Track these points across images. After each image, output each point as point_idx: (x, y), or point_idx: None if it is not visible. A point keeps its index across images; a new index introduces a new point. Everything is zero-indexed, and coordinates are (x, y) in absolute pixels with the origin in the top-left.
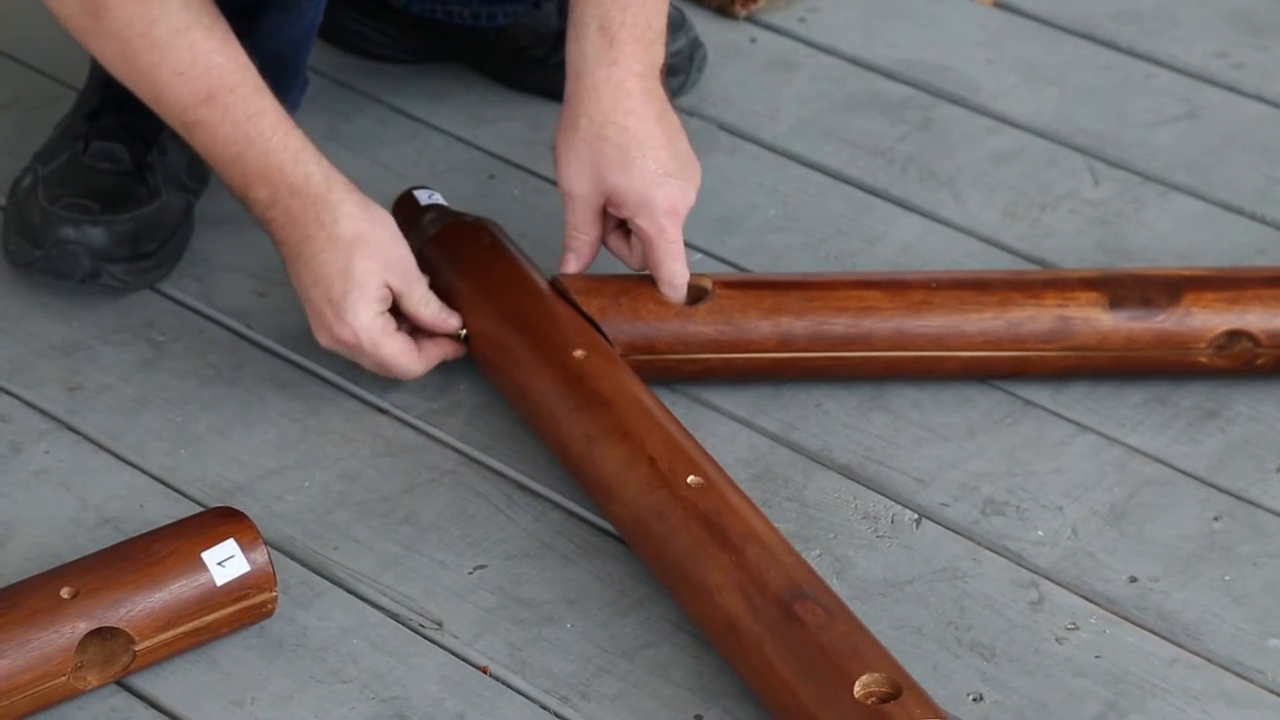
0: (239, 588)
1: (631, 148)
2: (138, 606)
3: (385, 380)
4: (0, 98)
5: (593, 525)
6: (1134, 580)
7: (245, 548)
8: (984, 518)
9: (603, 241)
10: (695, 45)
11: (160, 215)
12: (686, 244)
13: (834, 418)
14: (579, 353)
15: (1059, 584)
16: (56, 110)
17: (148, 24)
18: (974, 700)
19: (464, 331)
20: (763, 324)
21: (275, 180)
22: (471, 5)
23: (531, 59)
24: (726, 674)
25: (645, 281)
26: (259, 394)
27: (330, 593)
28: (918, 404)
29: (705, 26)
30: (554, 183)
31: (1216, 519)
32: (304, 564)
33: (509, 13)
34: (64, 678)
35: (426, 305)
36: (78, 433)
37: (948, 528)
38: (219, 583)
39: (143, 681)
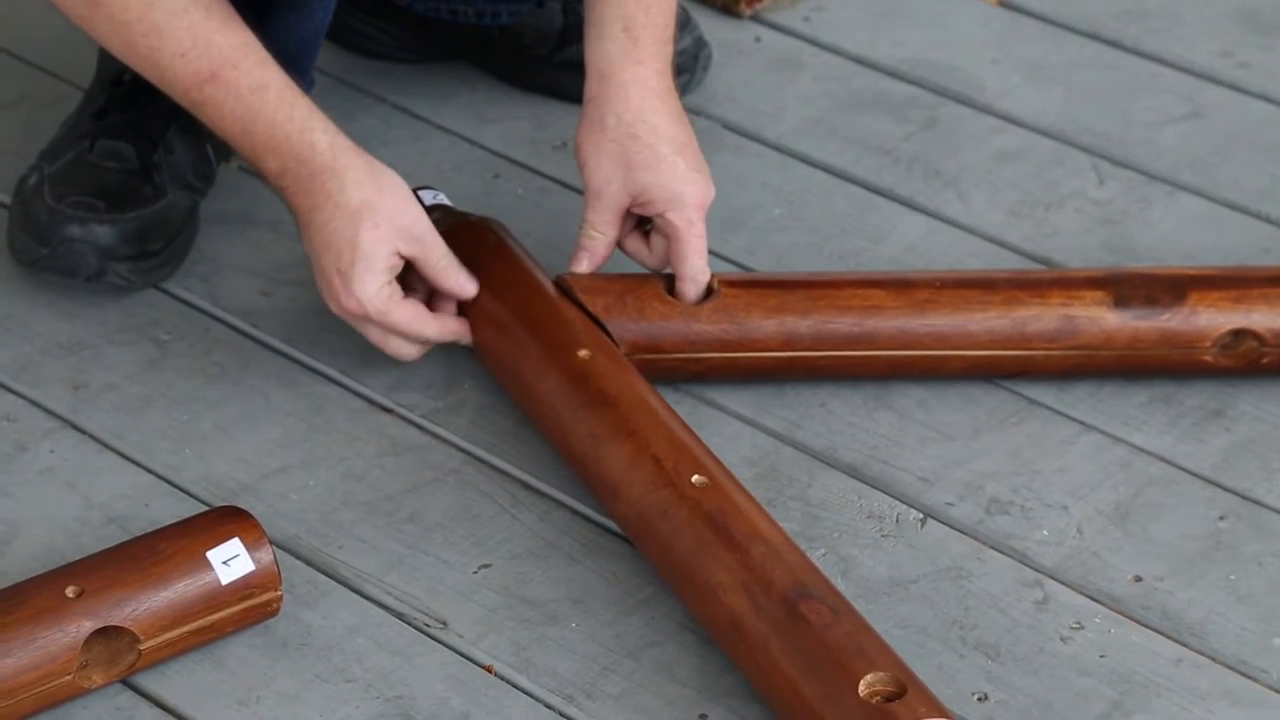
0: (244, 587)
1: (662, 145)
2: (143, 605)
3: (391, 380)
4: (6, 96)
5: (597, 524)
6: (1139, 580)
7: (250, 547)
8: (989, 517)
9: (619, 243)
10: (700, 44)
11: (166, 214)
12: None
13: (839, 417)
14: (584, 352)
15: (1064, 583)
16: (62, 109)
17: (145, 8)
18: (979, 700)
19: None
20: (767, 323)
21: (283, 151)
22: (476, 4)
23: (536, 58)
24: (731, 673)
25: (650, 281)
26: (264, 393)
27: (335, 592)
28: (923, 403)
29: (710, 25)
30: (559, 182)
31: (1221, 518)
32: (309, 563)
33: (513, 11)
34: (69, 677)
35: (446, 269)
36: (83, 432)
37: (953, 527)
38: (224, 582)
39: (148, 680)
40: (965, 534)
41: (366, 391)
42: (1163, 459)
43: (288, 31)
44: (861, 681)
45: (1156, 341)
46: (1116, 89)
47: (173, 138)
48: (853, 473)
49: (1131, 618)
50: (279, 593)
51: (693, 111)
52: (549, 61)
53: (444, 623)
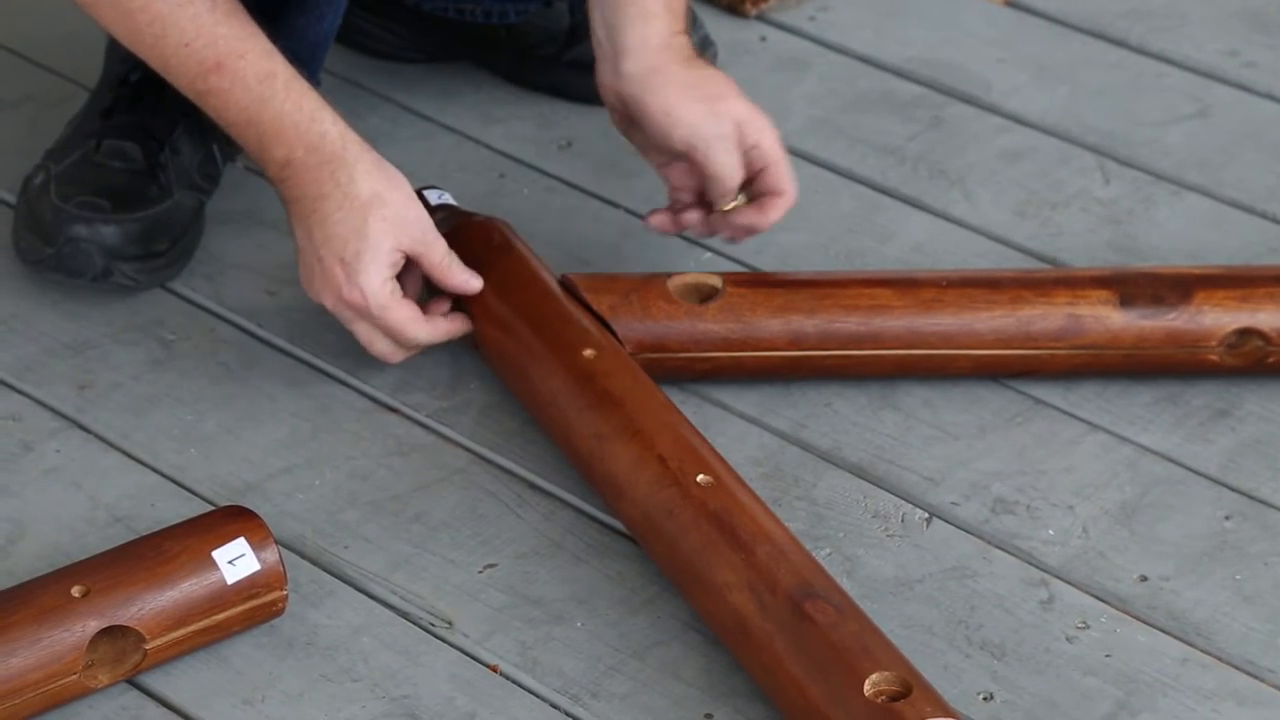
0: (249, 586)
1: (722, 79)
2: (148, 605)
3: (396, 379)
4: (12, 95)
5: (603, 524)
6: (1145, 579)
7: (256, 546)
8: (994, 517)
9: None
10: (706, 44)
11: (172, 214)
12: (697, 242)
13: (844, 416)
14: (589, 351)
15: (1069, 583)
16: (68, 108)
17: None
18: (984, 699)
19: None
20: (773, 322)
21: (291, 139)
22: (483, 3)
23: (542, 57)
24: (737, 672)
25: (656, 280)
26: (269, 393)
27: (341, 591)
28: (928, 403)
29: (715, 25)
30: (565, 182)
31: (1228, 518)
32: (314, 563)
33: (520, 10)
34: (75, 676)
35: (449, 266)
36: (88, 431)
37: (958, 527)
38: (229, 581)
39: (153, 680)
40: (971, 533)
41: (372, 391)
42: (1169, 458)
43: (297, 35)
44: (867, 681)
45: (1162, 341)
46: (1122, 88)
47: (179, 138)
48: (858, 472)
49: (1137, 617)
50: (284, 592)
51: None
52: (556, 61)
53: (449, 622)
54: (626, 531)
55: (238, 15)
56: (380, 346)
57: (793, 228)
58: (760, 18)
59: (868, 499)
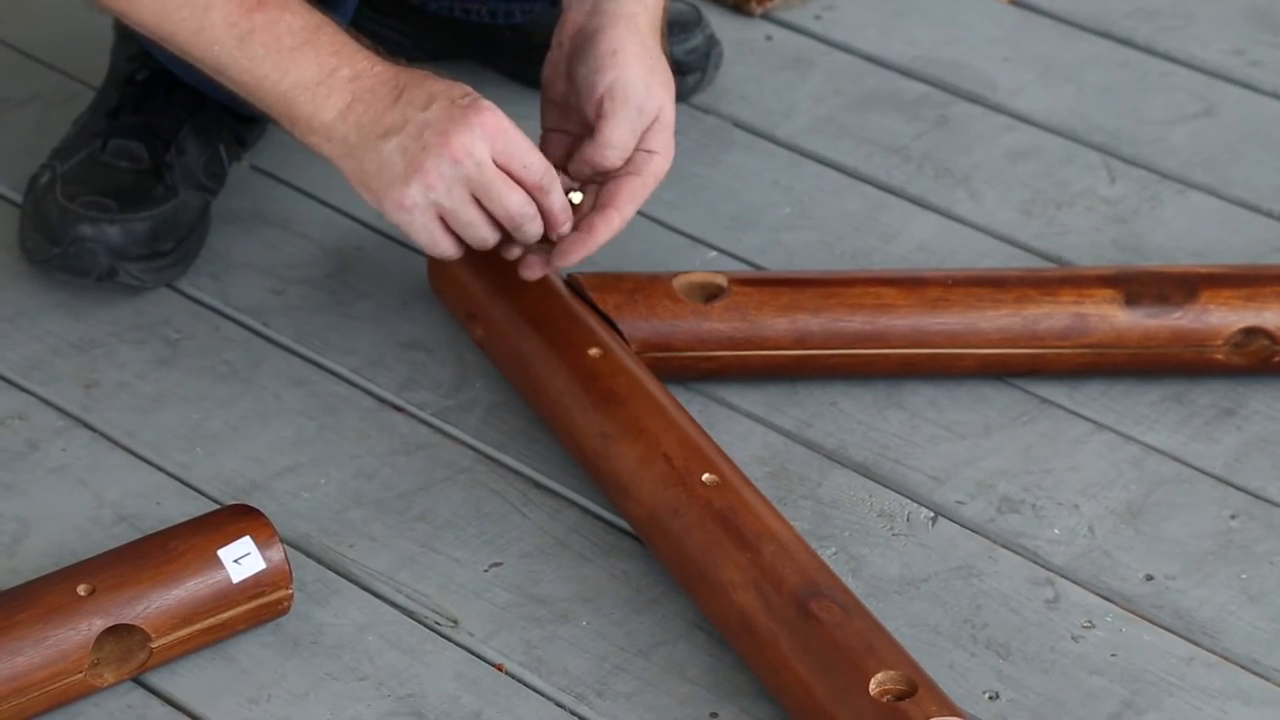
0: (255, 585)
1: (670, 80)
2: (154, 604)
3: (401, 378)
4: (19, 95)
5: (608, 523)
6: (1150, 578)
7: (261, 545)
8: (1000, 516)
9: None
10: (711, 43)
11: (178, 214)
12: (702, 242)
13: (850, 415)
14: (594, 350)
15: (1075, 582)
16: (74, 107)
17: None
18: (990, 698)
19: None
20: (778, 321)
21: (351, 54)
22: (489, 3)
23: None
24: (742, 671)
25: (661, 279)
26: (275, 392)
27: (346, 590)
28: (934, 402)
29: (721, 24)
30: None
31: (1233, 517)
32: (320, 561)
33: (526, 10)
34: (80, 675)
35: (551, 186)
36: (94, 430)
37: (964, 526)
38: (235, 580)
39: (159, 678)
40: (976, 533)
41: (377, 390)
42: (1174, 458)
43: None
44: (872, 680)
45: (1168, 340)
46: (1128, 87)
47: (185, 138)
48: (864, 471)
49: (1143, 616)
50: (290, 591)
51: (703, 110)
52: None
53: (455, 621)
54: (632, 530)
55: None
56: (444, 246)
57: (798, 226)
58: (765, 16)
59: (873, 498)
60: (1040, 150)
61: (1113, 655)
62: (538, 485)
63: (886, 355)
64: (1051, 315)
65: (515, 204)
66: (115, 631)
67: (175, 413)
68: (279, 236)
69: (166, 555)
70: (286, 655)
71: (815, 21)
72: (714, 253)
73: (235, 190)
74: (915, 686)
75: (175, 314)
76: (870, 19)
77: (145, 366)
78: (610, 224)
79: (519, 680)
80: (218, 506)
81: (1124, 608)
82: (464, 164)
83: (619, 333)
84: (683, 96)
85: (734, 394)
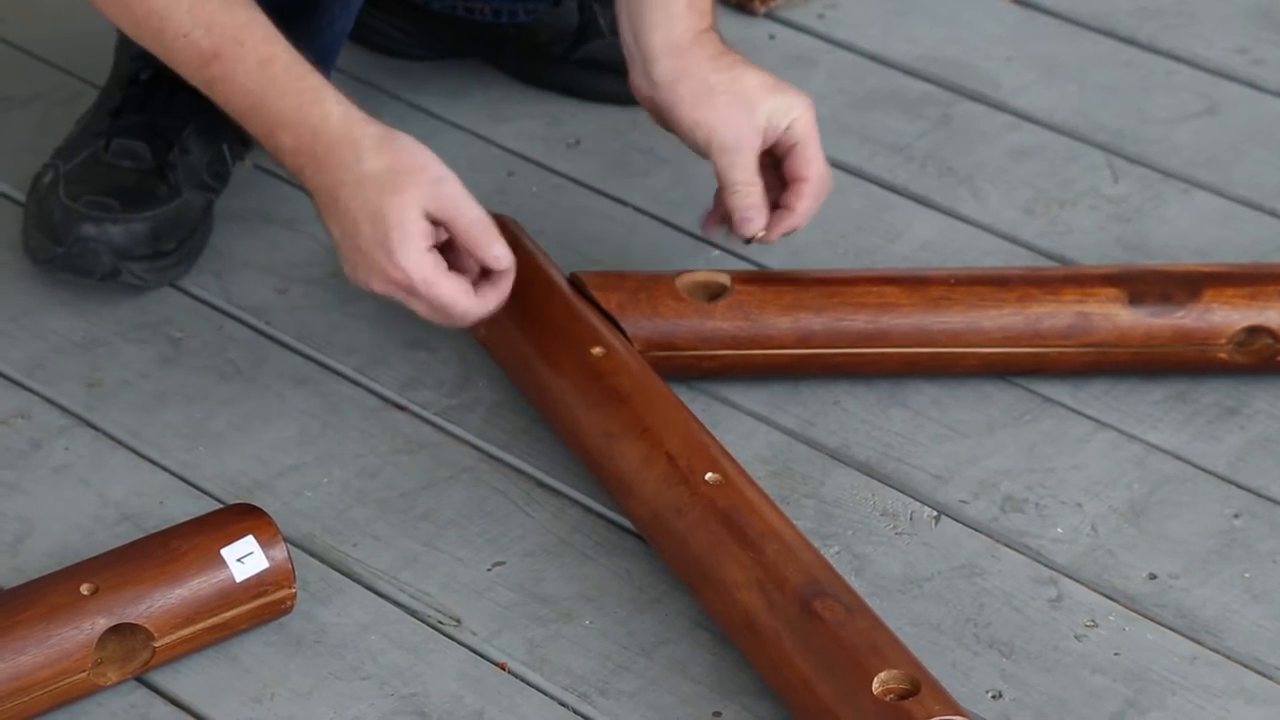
0: (258, 584)
1: (753, 75)
2: (157, 603)
3: (405, 377)
4: (22, 93)
5: (611, 522)
6: (1153, 577)
7: (264, 544)
8: (1003, 515)
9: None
10: None
11: (180, 214)
12: (705, 241)
13: (853, 414)
14: (597, 349)
15: (1078, 581)
16: (78, 106)
17: None
18: (993, 697)
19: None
20: (781, 320)
21: (295, 124)
22: (493, 2)
23: (551, 56)
24: (745, 670)
25: (664, 278)
26: (278, 390)
27: (349, 589)
28: (937, 401)
29: (724, 23)
30: (573, 180)
31: (1236, 516)
32: (323, 560)
33: (530, 10)
34: (84, 674)
35: (479, 234)
36: (97, 429)
37: (967, 525)
38: (238, 579)
39: (162, 678)
40: (979, 531)
41: (380, 389)
42: (1178, 456)
43: (308, 38)
44: (875, 679)
45: (1171, 338)
46: (1131, 86)
47: (188, 137)
48: (867, 470)
49: (1146, 615)
50: (293, 590)
51: None
52: (565, 59)
53: (458, 620)
54: (635, 529)
55: (236, 2)
56: (452, 310)
57: None
58: (769, 15)
59: (876, 497)
60: (1043, 149)
61: (1116, 654)
62: (540, 484)
63: (889, 354)
64: (1054, 314)
65: (457, 313)
66: (118, 631)
67: (178, 412)
68: (282, 235)
69: (169, 554)
70: (289, 654)
71: (818, 20)
72: (717, 251)
73: (238, 189)
74: (918, 685)
75: (178, 313)
76: (873, 18)
77: (148, 365)
78: (809, 190)
79: (522, 679)
80: (221, 505)
81: (1127, 607)
82: (401, 295)
83: (622, 331)
84: None
85: (737, 393)
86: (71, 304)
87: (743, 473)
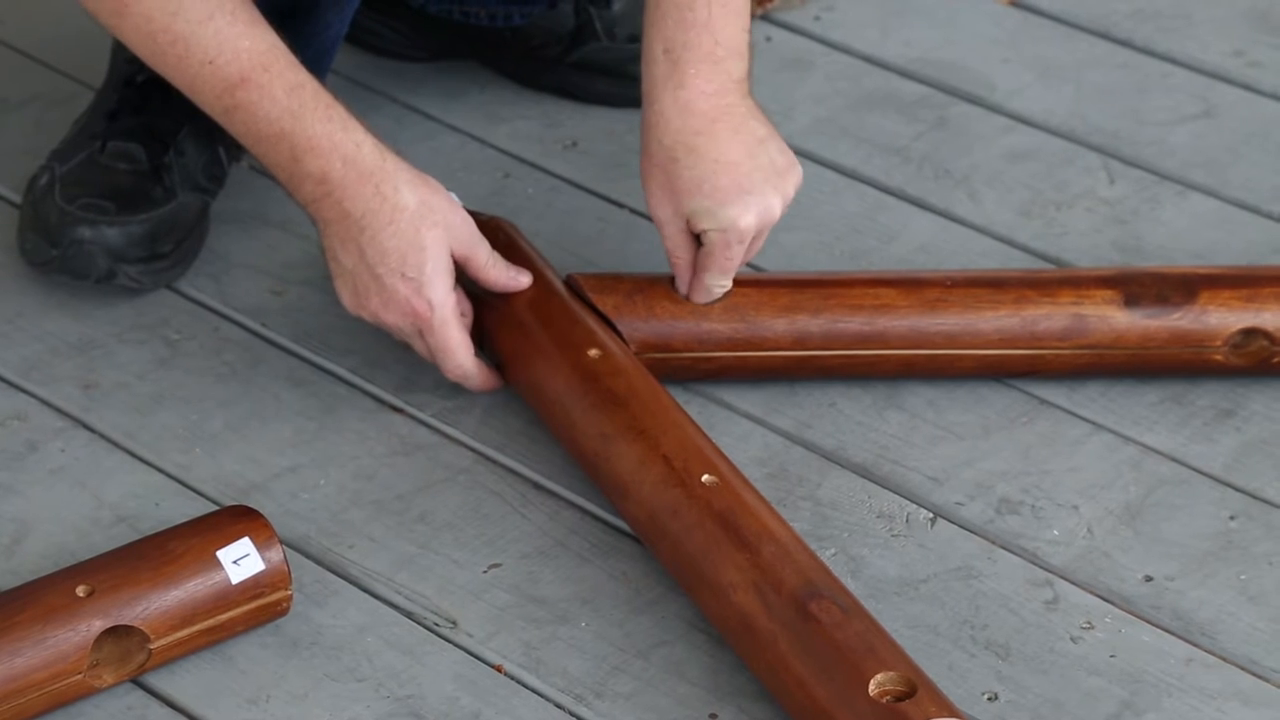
0: (254, 586)
1: (702, 168)
2: (153, 605)
3: (400, 379)
4: (18, 95)
5: (607, 524)
6: (1149, 579)
7: (260, 546)
8: (999, 517)
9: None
10: None
11: (176, 216)
12: None
13: (849, 416)
14: (594, 351)
15: (1074, 583)
16: (74, 108)
17: (169, 17)
18: (989, 699)
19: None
20: (778, 322)
21: (326, 151)
22: (488, 6)
23: (547, 58)
24: (741, 672)
25: (660, 280)
26: (274, 392)
27: (345, 591)
28: (933, 403)
29: None
30: (569, 182)
31: (1232, 518)
32: (319, 562)
33: (525, 13)
34: (79, 676)
35: (494, 266)
36: (93, 431)
37: (963, 527)
38: (234, 581)
39: (158, 679)
40: (975, 533)
41: (376, 391)
42: (1173, 459)
43: (304, 40)
44: (872, 681)
45: (1167, 341)
46: (1127, 88)
47: (184, 139)
48: (863, 472)
49: (1142, 617)
50: (289, 592)
51: None
52: (560, 62)
53: (454, 622)
54: (631, 531)
55: (259, 26)
56: (450, 355)
57: (797, 227)
58: (765, 18)
59: (872, 499)
60: (1039, 151)
61: (1112, 656)
62: (537, 486)
63: (886, 356)
64: (1050, 316)
65: (453, 363)
66: (114, 632)
67: (174, 413)
68: (278, 237)
69: (166, 556)
70: (285, 656)
71: (814, 23)
72: None
73: (235, 191)
74: (914, 687)
75: (175, 315)
76: (869, 20)
77: (144, 367)
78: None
79: (518, 681)
80: (217, 507)
81: (1123, 609)
82: (411, 329)
83: (618, 333)
84: None
85: (733, 395)
86: (67, 305)
87: (739, 475)
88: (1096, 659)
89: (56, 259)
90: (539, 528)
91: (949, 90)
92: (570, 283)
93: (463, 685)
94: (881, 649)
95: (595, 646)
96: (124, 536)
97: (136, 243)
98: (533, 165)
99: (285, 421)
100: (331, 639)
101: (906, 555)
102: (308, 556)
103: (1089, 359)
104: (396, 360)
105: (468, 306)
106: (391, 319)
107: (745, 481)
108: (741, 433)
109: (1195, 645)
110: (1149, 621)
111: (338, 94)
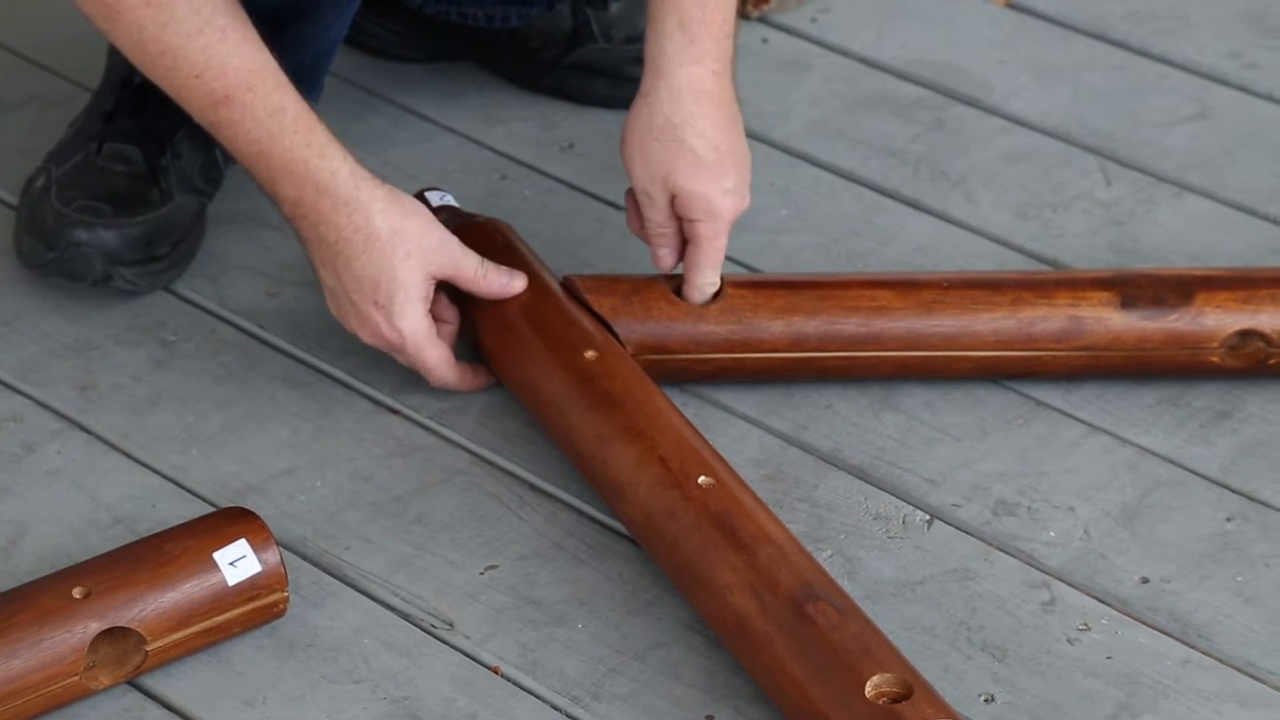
0: (251, 588)
1: (708, 154)
2: (150, 606)
3: (397, 381)
4: (15, 96)
5: (604, 525)
6: (1146, 581)
7: (257, 548)
8: (995, 518)
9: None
10: None
11: (173, 218)
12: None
13: (845, 418)
14: (590, 353)
15: (1071, 585)
16: (70, 110)
17: (159, 28)
18: (985, 701)
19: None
20: (774, 324)
21: (300, 177)
22: (486, 7)
23: (544, 60)
24: (738, 674)
25: (657, 281)
26: (271, 394)
27: (342, 593)
28: (929, 404)
29: None
30: (566, 183)
31: (1229, 520)
32: (316, 564)
33: (523, 15)
34: (76, 677)
35: (485, 277)
36: (90, 432)
37: (959, 528)
38: (231, 583)
39: (154, 681)
40: (972, 535)
41: (373, 392)
42: (1170, 460)
43: (303, 44)
44: (868, 683)
45: (1164, 342)
46: (1124, 90)
47: (181, 141)
48: (859, 474)
49: (1138, 619)
50: (286, 594)
51: None
52: (558, 63)
53: (451, 624)
54: (628, 533)
55: (250, 44)
56: (431, 374)
57: (794, 229)
58: (762, 19)
59: (869, 501)
60: (1036, 153)
61: (1108, 658)
62: (533, 488)
63: (882, 358)
64: (1047, 318)
65: (434, 379)
66: (111, 634)
67: (171, 415)
68: (275, 239)
69: (162, 558)
70: (282, 658)
71: (811, 24)
72: None
73: (231, 193)
74: (911, 689)
75: (171, 316)
76: (866, 22)
77: (141, 369)
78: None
79: (514, 683)
80: (213, 509)
81: (1120, 610)
82: (386, 349)
83: (615, 335)
84: None
85: (730, 396)
86: (64, 307)
87: (735, 476)
88: (1093, 661)
89: (53, 261)
90: (535, 529)
91: (945, 92)
92: (567, 284)
93: (459, 687)
94: (878, 650)
95: (592, 648)
96: (120, 538)
97: (133, 245)
98: (529, 167)
99: (282, 423)
100: (328, 640)
101: (903, 557)
102: (304, 558)
103: (1085, 360)
104: (393, 362)
105: (452, 313)
106: (367, 340)
107: (742, 483)
108: (738, 434)
109: (1192, 647)
110: (1146, 623)
111: (335, 97)
